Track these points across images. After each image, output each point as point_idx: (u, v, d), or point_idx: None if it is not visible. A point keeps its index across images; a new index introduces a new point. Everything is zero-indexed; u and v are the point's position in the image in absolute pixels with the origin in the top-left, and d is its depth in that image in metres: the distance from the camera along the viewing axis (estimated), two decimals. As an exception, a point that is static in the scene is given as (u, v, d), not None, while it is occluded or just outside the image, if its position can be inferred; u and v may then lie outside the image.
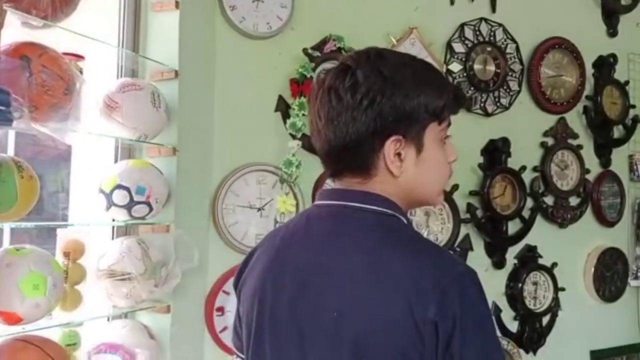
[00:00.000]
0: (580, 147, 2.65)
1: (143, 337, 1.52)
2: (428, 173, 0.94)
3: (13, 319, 1.21)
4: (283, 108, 1.96)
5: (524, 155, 2.49)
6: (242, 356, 1.01)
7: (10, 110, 1.14)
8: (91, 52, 1.60)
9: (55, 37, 1.38)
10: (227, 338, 1.79)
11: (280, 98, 1.95)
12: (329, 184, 1.08)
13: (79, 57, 1.49)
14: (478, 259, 2.36)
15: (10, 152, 1.48)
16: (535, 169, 2.54)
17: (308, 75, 1.94)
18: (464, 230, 2.30)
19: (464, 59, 2.34)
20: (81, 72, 1.44)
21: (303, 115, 1.92)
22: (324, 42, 2.01)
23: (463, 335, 0.81)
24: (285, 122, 1.94)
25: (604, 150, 2.78)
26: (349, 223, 0.91)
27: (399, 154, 0.90)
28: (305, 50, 1.97)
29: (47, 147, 1.79)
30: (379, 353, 0.82)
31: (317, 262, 0.89)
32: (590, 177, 2.70)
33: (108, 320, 1.59)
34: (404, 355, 0.81)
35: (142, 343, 1.49)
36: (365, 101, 0.88)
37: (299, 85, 1.95)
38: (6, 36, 1.20)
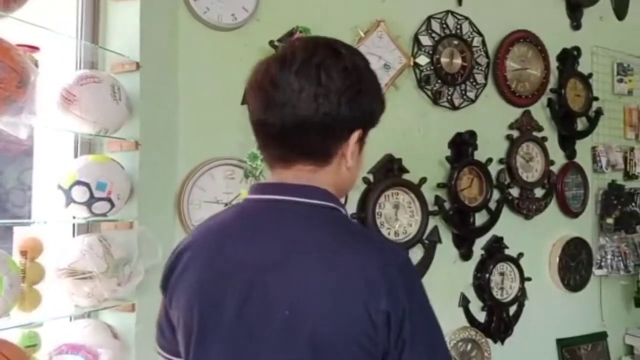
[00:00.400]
0: (544, 139, 2.69)
1: (106, 336, 1.48)
2: (356, 171, 0.97)
3: (-34, 322, 1.17)
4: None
5: (490, 147, 2.52)
6: (169, 357, 1.01)
7: (-42, 103, 1.08)
8: (47, 44, 1.55)
9: (8, 28, 1.33)
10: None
11: (247, 90, 1.92)
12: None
13: (34, 48, 1.43)
14: (446, 251, 2.38)
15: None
16: (501, 161, 2.57)
17: (274, 68, 1.92)
18: (432, 222, 2.31)
19: (431, 52, 2.35)
20: (36, 65, 1.39)
21: (270, 108, 1.89)
22: (291, 33, 1.98)
23: (413, 323, 0.83)
24: (251, 116, 1.91)
25: (568, 142, 2.83)
26: (294, 219, 0.89)
27: (356, 147, 0.93)
28: (271, 42, 1.94)
29: (10, 142, 1.72)
30: (337, 348, 0.81)
31: (265, 260, 0.86)
32: (555, 168, 2.75)
33: (70, 320, 1.54)
34: (361, 347, 0.81)
35: (105, 343, 1.46)
36: (353, 89, 0.89)
37: (265, 77, 1.92)
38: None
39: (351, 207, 2.13)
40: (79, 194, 1.47)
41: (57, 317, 1.47)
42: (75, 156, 1.65)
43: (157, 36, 1.73)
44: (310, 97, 0.86)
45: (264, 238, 0.88)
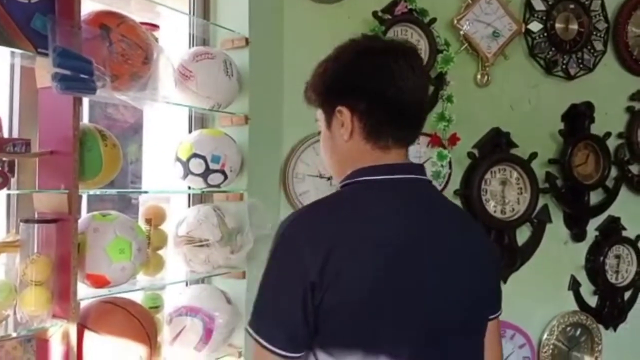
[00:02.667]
0: (671, 111, 2.46)
1: (221, 301, 1.55)
2: None
3: (101, 282, 1.26)
4: (353, 74, 1.90)
5: (609, 120, 2.35)
6: (286, 354, 0.89)
7: (93, 79, 1.16)
8: (163, 22, 1.61)
9: (128, 6, 1.40)
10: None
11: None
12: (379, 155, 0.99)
13: (154, 26, 1.50)
14: (557, 231, 2.27)
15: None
16: (620, 135, 2.40)
17: (378, 40, 1.88)
18: (542, 200, 2.20)
19: (544, 18, 2.20)
20: (157, 42, 1.45)
21: (373, 81, 1.86)
22: (395, 3, 1.94)
23: None
24: (355, 90, 1.89)
25: (698, 114, 2.56)
26: (435, 195, 1.04)
27: None
28: (375, 13, 1.90)
29: (118, 120, 1.84)
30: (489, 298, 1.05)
31: (435, 237, 0.94)
32: (682, 143, 2.51)
33: (187, 284, 1.63)
34: None
35: (220, 307, 1.52)
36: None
37: (368, 50, 1.88)
38: (85, 5, 1.22)
39: (454, 184, 2.06)
40: (196, 166, 1.53)
41: (176, 281, 1.56)
42: (190, 130, 1.72)
43: (265, 11, 1.75)
44: (425, 85, 1.03)
45: (431, 212, 0.98)
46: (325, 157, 1.05)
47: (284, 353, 0.88)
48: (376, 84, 0.94)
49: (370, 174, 0.96)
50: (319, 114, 1.04)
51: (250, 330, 0.91)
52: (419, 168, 1.00)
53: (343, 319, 0.88)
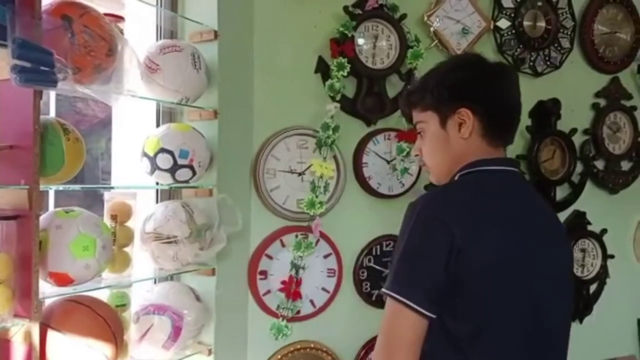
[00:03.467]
0: (634, 108, 2.53)
1: (190, 299, 1.53)
2: None
3: (64, 280, 1.23)
4: (323, 69, 1.89)
5: (575, 117, 2.38)
6: (429, 314, 1.02)
7: (54, 71, 1.12)
8: (129, 13, 1.58)
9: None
10: (270, 301, 1.80)
11: (320, 58, 1.89)
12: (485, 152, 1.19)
13: (119, 18, 1.47)
14: (524, 225, 2.30)
15: (52, 120, 1.48)
16: (586, 131, 2.44)
17: (349, 35, 1.87)
18: (510, 195, 2.22)
19: (512, 15, 2.22)
20: (122, 34, 1.42)
21: (342, 76, 1.86)
22: (365, -1, 1.93)
23: None
24: (324, 84, 1.88)
25: (659, 111, 2.64)
26: (528, 185, 1.32)
27: None
28: (346, 8, 1.89)
29: (87, 115, 1.80)
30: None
31: (540, 225, 1.15)
32: (644, 140, 2.58)
33: (155, 282, 1.61)
34: None
35: (189, 305, 1.51)
36: None
37: (339, 45, 1.87)
38: (46, -4, 1.18)
39: (424, 180, 2.07)
40: (163, 161, 1.51)
41: (143, 279, 1.53)
42: (157, 125, 1.69)
43: (234, 4, 1.73)
44: (520, 101, 1.22)
45: (530, 201, 1.18)
46: (435, 156, 1.20)
47: (425, 312, 1.01)
48: (496, 92, 1.16)
49: (488, 164, 1.15)
50: (426, 116, 1.19)
51: (391, 293, 1.03)
52: (517, 162, 1.23)
53: (473, 284, 1.03)
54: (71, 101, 1.86)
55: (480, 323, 1.04)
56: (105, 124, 1.83)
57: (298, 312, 1.83)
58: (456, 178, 1.15)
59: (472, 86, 1.15)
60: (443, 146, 1.17)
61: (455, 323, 1.04)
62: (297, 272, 1.83)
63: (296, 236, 1.84)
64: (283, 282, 1.82)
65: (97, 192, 1.65)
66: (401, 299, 1.01)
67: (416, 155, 1.29)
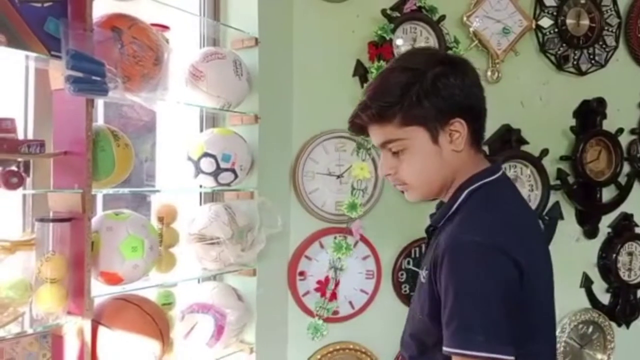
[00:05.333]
0: (685, 106, 2.44)
1: (232, 298, 1.57)
2: None
3: (114, 279, 1.29)
4: (361, 72, 1.91)
5: (621, 116, 2.33)
6: (511, 358, 0.91)
7: (105, 80, 1.18)
8: (174, 22, 1.63)
9: (139, 8, 1.42)
10: (309, 301, 1.83)
11: (359, 62, 1.91)
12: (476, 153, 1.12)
13: (165, 27, 1.52)
14: (568, 228, 2.26)
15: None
16: (633, 131, 2.38)
17: (387, 38, 1.88)
18: (553, 197, 2.19)
19: (555, 13, 2.19)
20: (168, 43, 1.47)
21: (381, 79, 1.87)
22: (404, 1, 1.93)
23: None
24: (363, 87, 1.90)
25: None
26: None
27: None
28: (384, 11, 1.90)
29: (132, 119, 1.86)
30: None
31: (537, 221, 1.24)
32: (696, 139, 2.48)
33: (198, 282, 1.66)
34: None
35: (231, 304, 1.55)
36: None
37: (377, 47, 1.89)
38: (96, 8, 1.24)
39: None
40: (207, 165, 1.55)
41: (188, 278, 1.58)
42: (201, 130, 1.75)
43: (274, 11, 1.76)
44: None
45: (525, 200, 1.18)
46: (423, 175, 1.07)
47: (511, 358, 0.90)
48: (480, 97, 1.08)
49: (489, 174, 1.07)
50: (408, 133, 1.04)
51: (470, 352, 0.90)
52: (501, 163, 1.17)
53: (533, 309, 0.98)
54: (117, 105, 1.93)
55: (539, 341, 1.03)
56: (149, 128, 1.88)
57: (336, 312, 1.85)
58: (463, 196, 1.05)
59: (460, 92, 1.03)
60: (435, 162, 1.05)
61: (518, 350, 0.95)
62: (335, 273, 1.85)
63: (335, 238, 1.86)
64: (319, 282, 1.84)
65: (142, 195, 1.72)
66: (493, 355, 0.89)
67: (387, 176, 1.11)
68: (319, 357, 1.83)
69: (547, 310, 1.07)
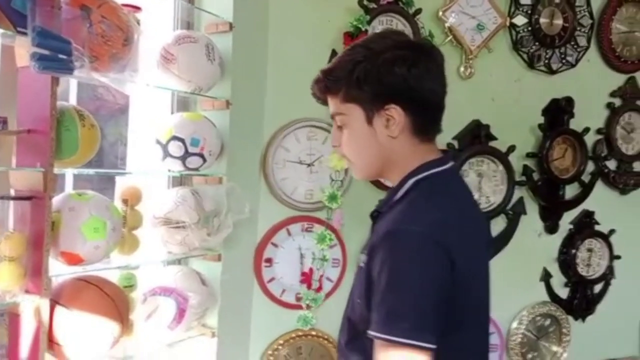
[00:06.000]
0: (650, 109, 2.50)
1: (195, 282, 1.58)
2: None
3: (75, 260, 1.29)
4: (336, 62, 1.92)
5: (588, 116, 2.38)
6: (433, 347, 0.92)
7: (71, 59, 1.17)
8: (147, 3, 1.62)
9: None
10: (274, 288, 1.85)
11: (334, 52, 1.90)
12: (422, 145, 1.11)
13: (136, 8, 1.50)
14: (531, 223, 2.31)
15: (73, 106, 1.53)
16: (599, 131, 2.43)
17: (363, 29, 1.89)
18: (518, 193, 2.24)
19: (529, 12, 2.22)
20: (139, 24, 1.46)
21: (356, 70, 1.88)
22: (380, -8, 1.95)
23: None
24: (337, 77, 1.90)
25: (676, 113, 2.61)
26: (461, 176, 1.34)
27: None
28: (360, 2, 1.91)
29: (108, 101, 1.84)
30: None
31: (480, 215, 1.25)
32: (659, 141, 2.55)
33: (163, 265, 1.66)
34: None
35: (194, 288, 1.56)
36: None
37: (352, 38, 1.89)
38: (66, -14, 1.22)
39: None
40: (175, 148, 1.55)
41: (152, 262, 1.59)
42: (171, 113, 1.74)
43: (250, -3, 1.76)
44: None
45: (470, 194, 1.18)
46: (358, 152, 1.09)
47: (433, 347, 0.91)
48: (428, 84, 1.04)
49: (437, 165, 1.07)
50: (348, 109, 1.06)
51: (393, 338, 0.91)
52: (453, 154, 1.19)
53: (466, 299, 0.99)
54: (92, 87, 1.91)
55: (472, 329, 1.05)
56: (124, 111, 1.87)
57: (299, 299, 1.88)
58: (408, 185, 1.06)
59: (403, 80, 1.02)
60: (370, 143, 1.06)
61: (447, 338, 0.96)
62: (315, 264, 1.89)
63: (303, 226, 1.88)
64: (303, 274, 1.88)
65: (112, 177, 1.71)
66: (411, 342, 0.90)
67: (334, 146, 1.14)
68: (281, 342, 1.85)
69: (478, 305, 1.07)
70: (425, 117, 1.06)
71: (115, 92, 1.75)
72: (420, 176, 1.05)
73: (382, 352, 0.92)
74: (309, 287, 1.88)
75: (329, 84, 1.08)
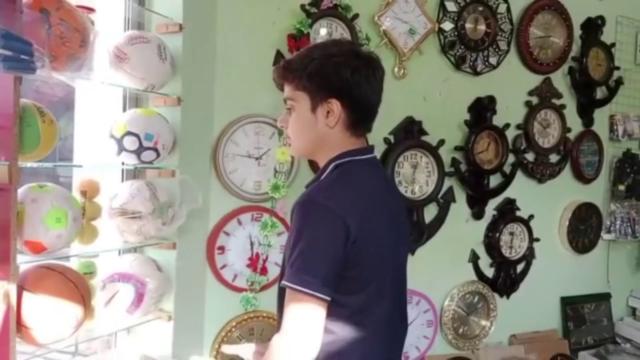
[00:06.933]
0: (563, 106, 2.77)
1: (152, 269, 1.68)
2: None
3: (38, 248, 1.36)
4: (280, 62, 2.04)
5: (509, 113, 2.61)
6: (327, 298, 1.13)
7: (33, 59, 1.24)
8: (99, 4, 1.69)
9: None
10: (227, 274, 1.97)
11: (278, 52, 2.05)
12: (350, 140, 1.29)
13: (90, 9, 1.57)
14: (460, 210, 2.53)
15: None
16: (518, 126, 2.67)
17: (305, 31, 2.03)
18: (447, 183, 2.44)
19: (455, 18, 2.42)
20: (93, 25, 1.53)
21: (300, 69, 2.02)
22: (322, -3, 2.09)
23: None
24: (282, 76, 2.03)
25: (586, 110, 2.91)
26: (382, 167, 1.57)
27: None
28: (302, 7, 2.05)
29: (46, 94, 1.89)
30: None
31: (394, 201, 1.34)
32: (572, 135, 2.84)
33: (119, 253, 1.74)
34: None
35: (151, 273, 1.65)
36: None
37: (296, 40, 2.03)
38: (24, -11, 1.29)
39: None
40: (130, 143, 1.64)
41: (109, 250, 1.67)
42: (124, 109, 1.82)
43: (198, -1, 1.86)
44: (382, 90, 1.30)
45: (388, 186, 1.39)
46: (298, 133, 1.28)
47: (327, 298, 1.13)
48: (366, 89, 1.24)
49: (357, 154, 1.27)
50: (298, 96, 1.25)
51: (296, 287, 1.12)
52: (374, 147, 1.34)
53: (361, 266, 1.18)
54: (31, 80, 1.94)
55: (369, 295, 1.22)
56: (67, 105, 1.91)
57: (263, 286, 2.02)
58: (330, 167, 1.25)
59: (346, 81, 1.21)
60: (309, 128, 1.25)
61: (345, 298, 1.18)
62: (262, 250, 2.02)
63: (252, 216, 2.00)
64: (251, 260, 2.00)
65: (55, 173, 1.76)
66: (310, 291, 1.12)
67: (281, 127, 1.34)
68: (233, 324, 1.98)
69: (377, 274, 1.22)
70: (358, 115, 1.25)
71: (53, 85, 1.80)
72: (339, 161, 1.25)
73: (289, 298, 1.15)
74: (255, 270, 2.01)
75: (287, 72, 1.27)
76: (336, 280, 1.15)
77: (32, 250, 1.36)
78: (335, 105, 1.23)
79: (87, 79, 1.47)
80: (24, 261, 1.34)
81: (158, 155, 1.70)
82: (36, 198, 1.35)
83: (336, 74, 1.21)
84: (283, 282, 1.16)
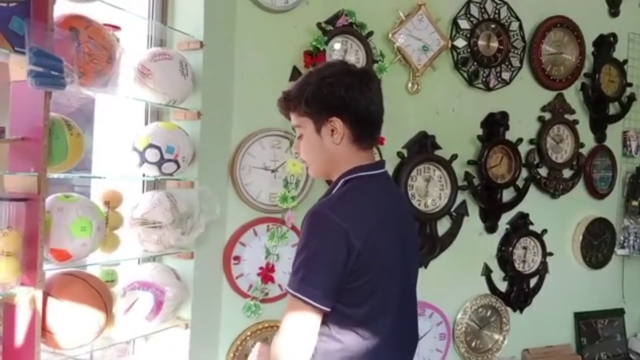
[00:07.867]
0: (576, 122, 2.80)
1: (171, 277, 1.72)
2: None
3: (63, 256, 1.42)
4: (297, 77, 2.08)
5: (522, 128, 2.64)
6: (325, 309, 1.18)
7: (63, 76, 1.31)
8: (124, 23, 1.76)
9: (92, 9, 1.54)
10: (242, 284, 2.01)
11: (295, 68, 2.10)
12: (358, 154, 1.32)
13: (116, 27, 1.64)
14: (473, 224, 2.55)
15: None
16: (531, 141, 2.69)
17: (321, 48, 2.09)
18: (460, 196, 2.47)
19: (468, 35, 2.47)
20: (119, 42, 1.60)
21: (315, 85, 2.07)
22: (337, 16, 2.15)
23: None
24: (298, 91, 2.09)
25: (599, 126, 2.93)
26: (393, 182, 1.51)
27: None
28: (319, 24, 2.11)
29: (61, 105, 1.96)
30: None
31: (402, 215, 1.36)
32: (585, 151, 2.86)
33: (139, 262, 1.80)
34: None
35: (170, 282, 1.70)
36: None
37: (312, 57, 2.09)
38: (55, 8, 1.36)
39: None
40: (152, 155, 1.70)
41: (129, 258, 1.72)
42: (146, 123, 1.88)
43: (218, 17, 1.93)
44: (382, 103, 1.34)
45: (397, 200, 1.40)
46: (311, 156, 1.34)
47: (324, 308, 1.19)
48: (363, 103, 1.28)
49: (367, 169, 1.31)
50: (303, 122, 1.31)
51: (295, 293, 1.18)
52: (384, 162, 1.39)
53: (365, 279, 1.21)
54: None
55: (373, 306, 1.24)
56: (87, 117, 1.97)
57: (267, 294, 2.05)
58: (340, 183, 1.29)
59: (341, 99, 1.26)
60: (318, 149, 1.30)
61: (350, 309, 1.22)
62: (273, 259, 2.05)
63: (268, 227, 2.05)
64: (261, 269, 2.03)
65: (71, 183, 1.82)
66: (312, 302, 1.17)
67: (297, 153, 1.42)
68: (248, 333, 2.01)
69: (383, 288, 1.24)
70: (361, 128, 1.30)
71: (70, 96, 1.87)
72: (349, 177, 1.29)
73: (290, 303, 1.21)
74: (264, 280, 2.04)
75: (288, 102, 1.33)
76: (336, 291, 1.20)
77: (57, 257, 1.42)
78: (337, 123, 1.27)
79: (113, 94, 1.53)
80: (49, 268, 1.39)
81: (178, 167, 1.76)
82: (62, 207, 1.41)
83: (331, 93, 1.27)
84: (286, 286, 1.23)
